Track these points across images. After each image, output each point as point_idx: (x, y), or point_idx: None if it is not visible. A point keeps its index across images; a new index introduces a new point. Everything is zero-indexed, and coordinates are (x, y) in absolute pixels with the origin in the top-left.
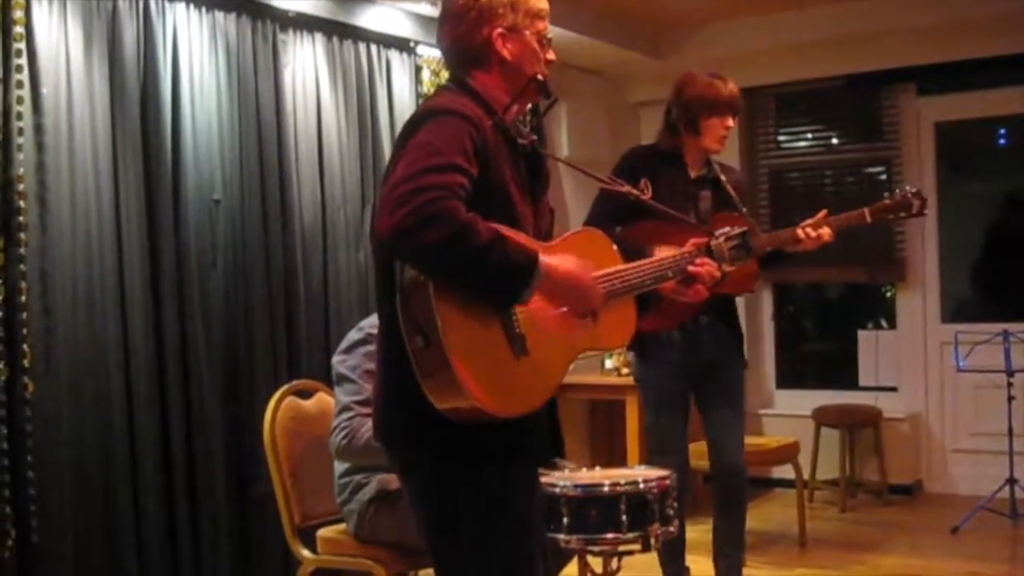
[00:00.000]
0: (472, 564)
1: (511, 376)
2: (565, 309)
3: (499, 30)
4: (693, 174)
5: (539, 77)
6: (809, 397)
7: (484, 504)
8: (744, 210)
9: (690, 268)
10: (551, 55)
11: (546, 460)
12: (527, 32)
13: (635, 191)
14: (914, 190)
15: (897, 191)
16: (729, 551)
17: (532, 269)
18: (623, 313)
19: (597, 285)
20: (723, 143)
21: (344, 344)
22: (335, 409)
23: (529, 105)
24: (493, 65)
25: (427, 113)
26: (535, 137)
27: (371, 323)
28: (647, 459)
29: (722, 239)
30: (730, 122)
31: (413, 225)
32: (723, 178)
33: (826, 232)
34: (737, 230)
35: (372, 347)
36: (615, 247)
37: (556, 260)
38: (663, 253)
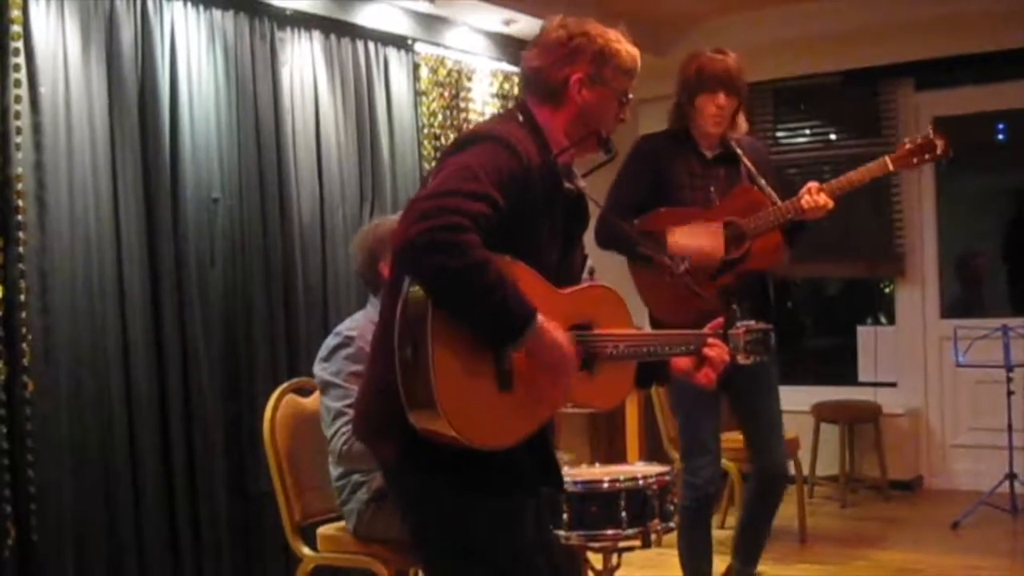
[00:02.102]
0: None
1: (489, 407)
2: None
3: (579, 75)
4: (708, 155)
5: (602, 133)
6: (808, 393)
7: (462, 521)
8: (763, 182)
9: (705, 351)
10: (626, 115)
11: (539, 487)
12: (608, 86)
13: (668, 261)
14: (936, 131)
15: (919, 135)
16: (753, 544)
17: (525, 327)
18: (620, 376)
19: (575, 373)
20: (718, 123)
21: (323, 352)
22: (325, 417)
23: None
24: (563, 106)
25: (479, 135)
26: (584, 185)
27: (346, 327)
28: (683, 460)
29: (742, 330)
30: (721, 100)
31: (425, 245)
32: (740, 152)
33: (824, 199)
34: (760, 325)
35: (351, 349)
36: (627, 310)
37: (550, 328)
38: (681, 235)
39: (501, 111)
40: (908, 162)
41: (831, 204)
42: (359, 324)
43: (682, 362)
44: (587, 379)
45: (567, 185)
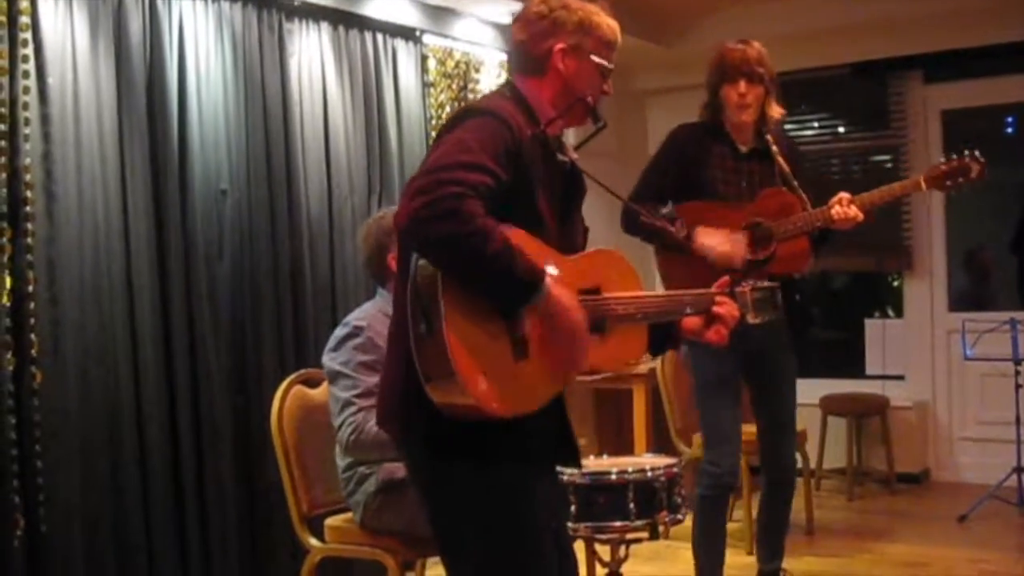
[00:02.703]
0: (472, 560)
1: (507, 376)
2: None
3: (562, 45)
4: (743, 148)
5: (588, 99)
6: (816, 386)
7: (484, 501)
8: (795, 183)
9: (714, 308)
10: (608, 87)
11: (557, 463)
12: (592, 57)
13: (670, 227)
14: (973, 152)
15: (954, 155)
16: (772, 538)
17: (535, 289)
18: (632, 340)
19: (586, 335)
20: (742, 108)
21: (332, 342)
22: (333, 407)
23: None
24: (548, 77)
25: (470, 111)
26: (576, 156)
27: (355, 317)
28: (703, 450)
29: (748, 287)
30: (742, 87)
31: (428, 217)
32: (775, 149)
33: (855, 211)
34: (767, 284)
35: (360, 339)
36: (635, 272)
37: (560, 291)
38: (706, 236)
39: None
40: (942, 184)
41: (861, 217)
42: (368, 314)
43: (692, 323)
44: (599, 343)
45: (559, 156)
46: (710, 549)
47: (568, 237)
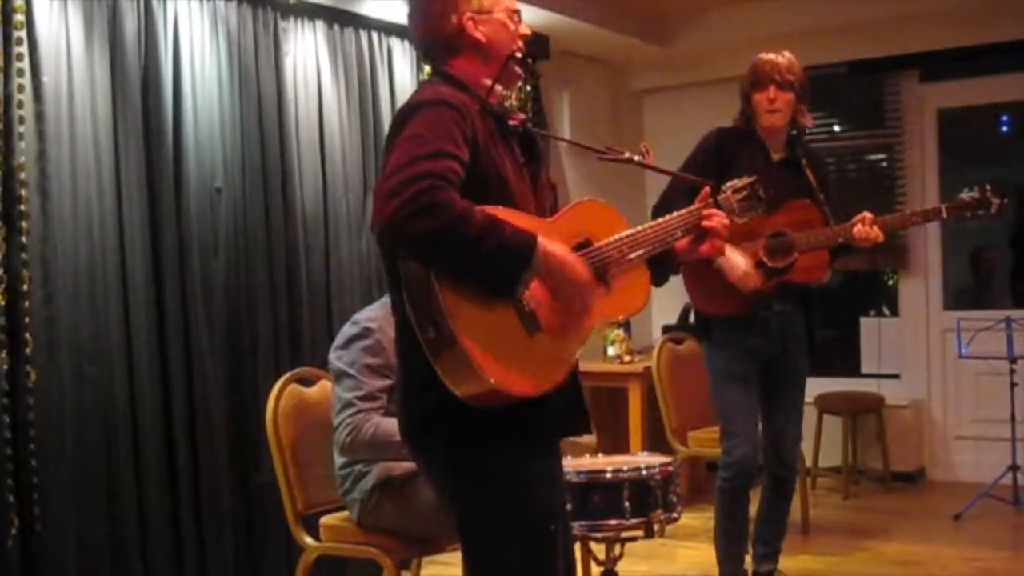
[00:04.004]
0: (498, 546)
1: (527, 354)
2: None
3: (468, 14)
4: (776, 157)
5: (517, 54)
6: (811, 384)
7: (509, 488)
8: (822, 197)
9: (704, 223)
10: (524, 29)
11: (574, 434)
12: (496, 12)
13: (635, 158)
14: (991, 188)
15: (976, 188)
16: (770, 539)
17: (530, 255)
18: (636, 279)
19: (591, 283)
20: (773, 118)
21: (340, 340)
22: (335, 405)
23: (529, 88)
24: (469, 50)
25: (412, 108)
26: (524, 116)
27: (366, 316)
28: (720, 442)
29: (729, 191)
30: (772, 94)
31: (405, 216)
32: (805, 163)
33: (877, 233)
34: (745, 180)
35: (368, 341)
36: (617, 214)
37: (555, 247)
38: (733, 252)
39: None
40: (962, 215)
41: (882, 238)
42: (379, 315)
43: (684, 244)
44: (604, 293)
45: (510, 122)
46: (730, 541)
47: (539, 199)
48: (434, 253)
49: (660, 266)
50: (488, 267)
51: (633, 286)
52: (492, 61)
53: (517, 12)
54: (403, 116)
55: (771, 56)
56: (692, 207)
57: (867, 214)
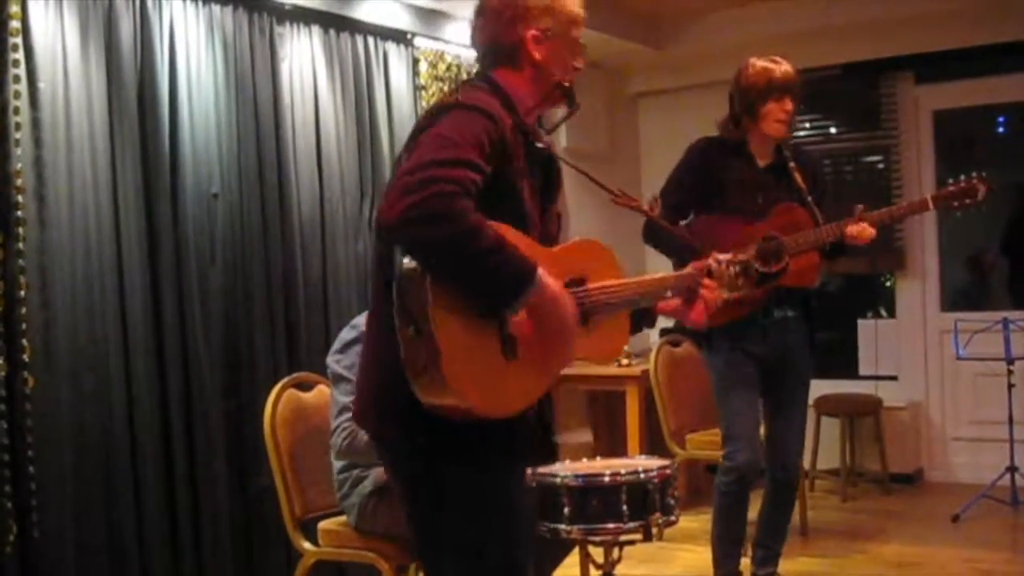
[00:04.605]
0: (454, 562)
1: (499, 378)
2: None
3: (533, 32)
4: (761, 163)
5: (565, 84)
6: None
7: (469, 502)
8: (810, 199)
9: (702, 291)
10: (580, 63)
11: (536, 462)
12: (560, 38)
13: (643, 208)
14: (979, 175)
15: (962, 177)
16: (770, 543)
17: (527, 282)
18: (616, 328)
19: (577, 324)
20: (785, 128)
21: (338, 344)
22: (333, 409)
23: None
24: (523, 66)
25: (448, 105)
26: (551, 141)
27: (363, 321)
28: (722, 445)
29: (724, 265)
30: (788, 105)
31: (417, 217)
32: (792, 166)
33: (869, 230)
34: (739, 257)
35: None
36: (615, 259)
37: (550, 281)
38: (716, 255)
39: None
40: (949, 204)
41: (874, 233)
42: None
43: (671, 304)
44: (584, 334)
45: (538, 145)
46: (728, 544)
47: (545, 226)
48: (437, 260)
49: (638, 317)
50: (485, 285)
51: (612, 332)
52: (541, 83)
53: (582, 47)
54: (436, 112)
55: (784, 66)
56: (688, 272)
57: (860, 206)
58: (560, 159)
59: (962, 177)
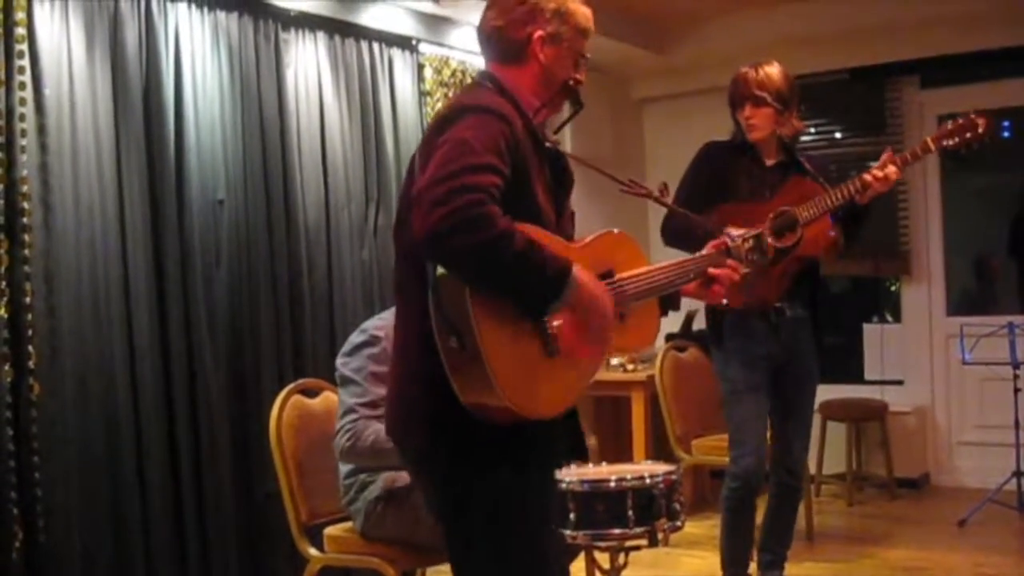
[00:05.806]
0: (485, 563)
1: (542, 376)
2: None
3: (541, 33)
4: (769, 162)
5: (571, 84)
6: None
7: (500, 504)
8: (821, 180)
9: (711, 270)
10: (582, 75)
11: (567, 462)
12: (567, 45)
13: (654, 195)
14: (974, 112)
15: (960, 116)
16: (775, 547)
17: (564, 281)
18: (648, 315)
19: (614, 313)
20: (752, 131)
21: (347, 347)
22: (339, 411)
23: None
24: (528, 65)
25: (462, 109)
26: (558, 140)
27: (373, 324)
28: (729, 451)
29: (739, 241)
30: (747, 111)
31: (450, 228)
32: (801, 159)
33: (892, 170)
34: (751, 232)
35: (375, 349)
36: (639, 248)
37: (587, 277)
38: (729, 231)
39: None
40: (951, 144)
41: (899, 173)
42: (387, 323)
43: (691, 286)
44: (619, 325)
45: (547, 144)
46: (734, 549)
47: (562, 225)
48: (474, 268)
49: (665, 300)
50: (523, 288)
51: (645, 320)
52: (545, 84)
53: (586, 58)
54: (451, 116)
55: (745, 70)
56: (707, 253)
57: (887, 155)
58: (568, 155)
59: (959, 117)
